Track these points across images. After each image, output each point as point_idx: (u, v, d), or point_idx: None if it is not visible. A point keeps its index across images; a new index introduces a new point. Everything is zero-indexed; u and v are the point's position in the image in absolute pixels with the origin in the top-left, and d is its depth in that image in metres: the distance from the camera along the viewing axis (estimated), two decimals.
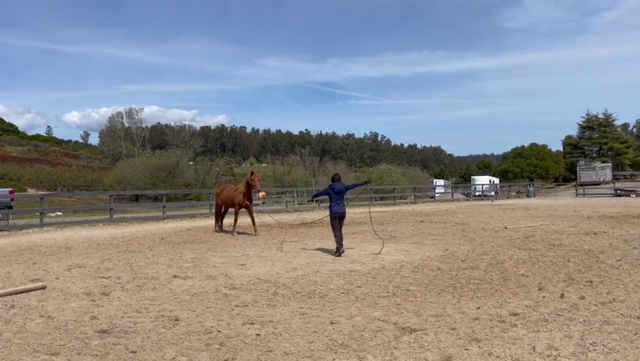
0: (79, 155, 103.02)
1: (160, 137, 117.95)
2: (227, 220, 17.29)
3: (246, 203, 15.85)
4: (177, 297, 7.15)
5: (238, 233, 15.66)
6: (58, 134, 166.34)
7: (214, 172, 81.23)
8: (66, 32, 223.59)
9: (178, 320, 5.88)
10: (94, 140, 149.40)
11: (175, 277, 8.71)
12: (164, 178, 60.44)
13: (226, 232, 16.32)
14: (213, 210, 26.23)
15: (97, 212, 29.36)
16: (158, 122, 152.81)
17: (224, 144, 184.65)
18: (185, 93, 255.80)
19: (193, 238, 14.95)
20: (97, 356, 4.68)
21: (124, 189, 53.47)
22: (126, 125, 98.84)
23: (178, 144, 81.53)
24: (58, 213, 29.52)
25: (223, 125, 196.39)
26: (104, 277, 8.71)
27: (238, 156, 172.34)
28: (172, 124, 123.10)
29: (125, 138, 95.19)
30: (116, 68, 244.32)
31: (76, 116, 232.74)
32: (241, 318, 5.95)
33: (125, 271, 9.37)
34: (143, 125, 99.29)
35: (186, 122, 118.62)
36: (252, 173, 15.85)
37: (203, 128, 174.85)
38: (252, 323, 5.71)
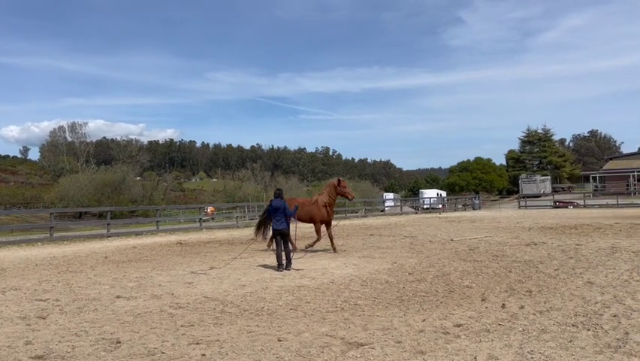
0: (17, 171, 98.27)
1: (105, 152, 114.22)
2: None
3: (329, 218, 14.00)
4: (120, 318, 6.90)
5: (307, 250, 13.96)
6: None
7: (162, 188, 79.37)
8: (4, 43, 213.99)
9: (120, 343, 5.67)
10: (34, 155, 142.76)
11: (118, 297, 8.41)
12: (110, 194, 58.50)
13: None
14: (161, 227, 25.68)
15: (36, 230, 28.03)
16: (104, 137, 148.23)
17: (173, 158, 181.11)
18: (132, 107, 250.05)
19: (139, 256, 14.51)
20: None
21: (66, 207, 51.30)
22: (69, 139, 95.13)
23: (124, 159, 79.08)
24: None
25: (172, 140, 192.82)
26: (41, 300, 8.30)
27: (187, 171, 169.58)
28: (118, 138, 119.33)
29: (68, 153, 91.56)
30: (58, 81, 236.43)
31: (14, 130, 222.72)
32: (186, 338, 5.80)
33: (65, 292, 8.97)
34: (88, 140, 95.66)
35: (133, 137, 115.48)
36: (340, 180, 14.10)
37: (151, 142, 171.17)
38: (198, 343, 5.58)
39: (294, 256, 12.13)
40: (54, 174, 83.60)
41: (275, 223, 11.34)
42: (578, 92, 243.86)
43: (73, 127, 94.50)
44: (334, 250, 13.59)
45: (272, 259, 12.28)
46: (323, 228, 14.12)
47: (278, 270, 10.84)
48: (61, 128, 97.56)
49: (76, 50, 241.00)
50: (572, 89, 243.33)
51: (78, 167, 78.76)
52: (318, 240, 13.94)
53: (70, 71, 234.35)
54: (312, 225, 14.43)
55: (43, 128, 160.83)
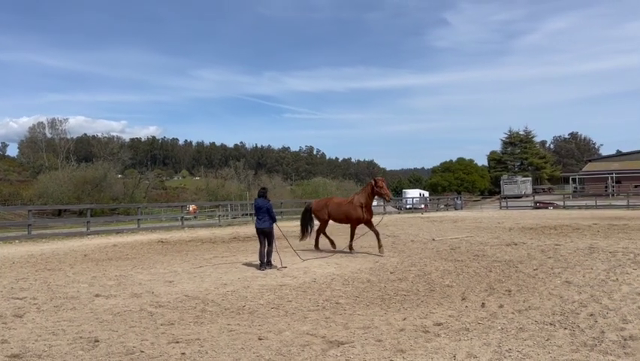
0: None
1: (86, 149, 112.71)
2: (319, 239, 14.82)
3: (366, 218, 13.35)
4: (98, 317, 6.82)
5: (352, 252, 13.44)
6: None
7: (144, 186, 78.58)
8: None
9: (98, 341, 5.60)
10: (12, 151, 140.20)
11: (97, 296, 8.30)
12: (90, 192, 57.75)
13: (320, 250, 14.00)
14: (142, 225, 25.40)
15: (13, 228, 27.51)
16: (85, 134, 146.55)
17: (155, 156, 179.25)
18: (114, 104, 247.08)
19: (119, 254, 14.34)
20: None
21: (45, 204, 50.55)
22: (49, 136, 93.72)
23: (105, 157, 78.03)
24: None
25: (154, 137, 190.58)
26: (17, 298, 8.16)
27: (170, 169, 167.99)
28: (99, 135, 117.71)
29: (48, 150, 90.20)
30: (38, 76, 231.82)
31: None
32: (166, 337, 5.75)
33: (42, 290, 8.82)
34: (68, 137, 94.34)
35: (115, 134, 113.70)
36: (376, 180, 13.25)
37: (132, 140, 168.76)
38: (178, 342, 5.54)
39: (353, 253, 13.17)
40: (33, 171, 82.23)
41: (258, 222, 11.35)
42: (560, 94, 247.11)
43: (53, 123, 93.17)
44: (380, 249, 12.84)
45: (254, 258, 12.26)
46: (362, 227, 13.67)
47: (260, 268, 10.82)
48: (40, 124, 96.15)
49: (57, 45, 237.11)
50: (554, 92, 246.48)
51: (58, 164, 77.63)
52: (351, 240, 13.47)
53: (50, 66, 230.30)
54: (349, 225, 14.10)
55: (22, 124, 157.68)
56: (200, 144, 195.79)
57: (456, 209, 47.96)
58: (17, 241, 18.90)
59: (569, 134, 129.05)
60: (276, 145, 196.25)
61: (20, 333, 6.02)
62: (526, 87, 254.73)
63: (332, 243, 14.12)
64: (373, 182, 13.25)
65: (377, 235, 13.04)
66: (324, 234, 14.55)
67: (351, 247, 13.57)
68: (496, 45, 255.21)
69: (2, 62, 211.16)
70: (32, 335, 5.90)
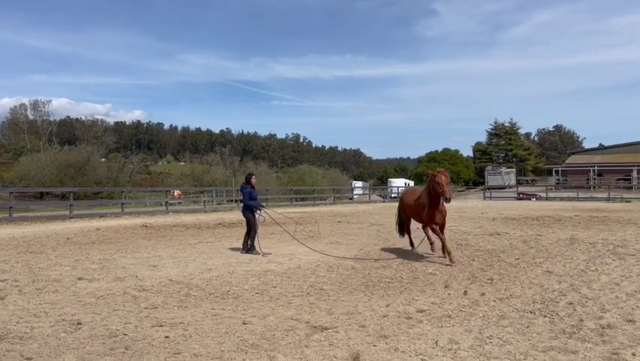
0: None
1: (69, 131, 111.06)
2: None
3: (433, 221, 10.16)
4: (81, 300, 6.78)
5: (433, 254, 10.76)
6: None
7: (128, 170, 77.82)
8: None
9: (81, 324, 5.57)
10: None
11: (80, 279, 8.25)
12: (73, 175, 57.05)
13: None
14: (126, 210, 25.19)
15: None
16: (68, 116, 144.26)
17: (140, 140, 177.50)
18: (99, 86, 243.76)
19: (102, 238, 14.23)
20: None
21: (27, 186, 49.82)
22: (31, 117, 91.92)
23: (89, 140, 76.85)
24: None
25: (139, 121, 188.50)
26: None
27: (154, 154, 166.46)
28: (83, 118, 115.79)
29: (30, 132, 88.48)
30: (19, 56, 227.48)
31: None
32: (150, 320, 5.75)
33: (24, 273, 8.73)
34: (51, 119, 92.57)
35: (99, 117, 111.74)
36: (434, 174, 9.85)
37: (117, 123, 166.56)
38: (161, 326, 5.54)
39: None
40: (14, 153, 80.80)
41: (243, 206, 11.62)
42: (545, 87, 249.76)
43: (35, 105, 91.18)
44: (449, 259, 9.70)
45: (239, 244, 12.24)
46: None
47: (241, 251, 11.26)
48: (22, 105, 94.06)
49: (40, 24, 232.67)
50: (539, 84, 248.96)
51: (40, 146, 76.27)
52: (430, 242, 10.90)
53: (34, 46, 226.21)
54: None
55: (3, 104, 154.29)
56: (185, 129, 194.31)
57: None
58: None
59: (553, 127, 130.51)
60: (263, 132, 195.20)
61: (1, 315, 5.96)
62: (512, 79, 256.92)
63: (411, 243, 11.81)
64: (432, 176, 9.95)
65: (442, 242, 9.93)
66: (407, 231, 11.95)
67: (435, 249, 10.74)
68: (483, 36, 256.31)
69: None
70: (14, 317, 5.85)
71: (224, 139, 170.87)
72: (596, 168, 63.10)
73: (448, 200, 9.57)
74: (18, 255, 10.85)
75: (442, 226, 10.20)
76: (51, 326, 5.49)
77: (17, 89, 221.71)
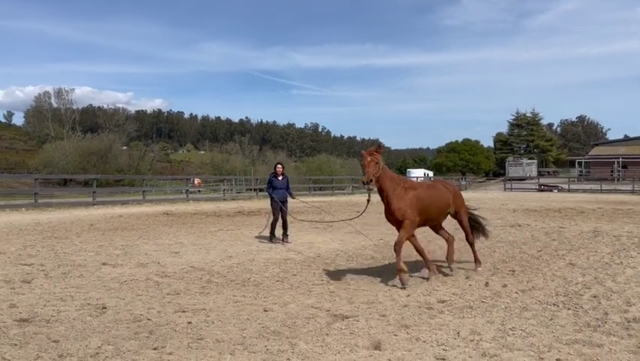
0: (1, 135, 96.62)
1: (92, 119, 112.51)
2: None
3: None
4: (105, 285, 6.90)
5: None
6: None
7: (149, 158, 78.73)
8: None
9: (105, 308, 5.68)
10: (18, 120, 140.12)
11: (104, 264, 8.40)
12: (96, 163, 57.98)
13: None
14: (147, 197, 25.51)
15: (20, 196, 27.72)
16: (90, 104, 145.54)
17: (161, 129, 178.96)
18: (121, 75, 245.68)
19: (125, 224, 14.45)
20: (15, 345, 4.44)
21: (51, 173, 50.78)
22: (55, 105, 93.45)
23: (111, 128, 78.09)
24: None
25: (160, 110, 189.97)
26: (25, 264, 8.25)
27: (174, 142, 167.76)
28: (105, 106, 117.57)
29: (54, 120, 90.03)
30: (44, 45, 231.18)
31: None
32: (172, 306, 5.83)
33: (50, 257, 8.92)
34: (74, 107, 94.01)
35: (121, 105, 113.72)
36: (362, 153, 7.38)
37: (138, 112, 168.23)
38: (184, 311, 5.61)
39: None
40: (39, 140, 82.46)
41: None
42: (569, 76, 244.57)
43: (59, 93, 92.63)
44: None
45: (258, 232, 12.31)
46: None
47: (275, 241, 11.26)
48: (46, 93, 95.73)
49: (63, 13, 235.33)
50: (563, 74, 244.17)
51: (63, 134, 77.61)
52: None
53: (57, 35, 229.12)
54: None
55: (28, 92, 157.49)
56: (205, 118, 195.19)
57: (460, 190, 47.93)
58: (24, 209, 19.05)
59: (576, 118, 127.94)
60: (281, 121, 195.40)
61: (29, 298, 6.10)
62: (535, 68, 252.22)
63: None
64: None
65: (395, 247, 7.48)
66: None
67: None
68: (506, 24, 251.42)
69: (9, 30, 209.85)
70: (41, 301, 5.99)
71: (243, 128, 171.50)
72: (620, 159, 61.83)
73: (363, 184, 7.14)
74: (43, 240, 11.08)
75: (401, 223, 7.32)
76: (77, 310, 5.60)
77: (41, 77, 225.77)
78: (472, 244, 8.39)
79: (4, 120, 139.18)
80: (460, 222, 8.37)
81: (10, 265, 8.16)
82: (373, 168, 7.08)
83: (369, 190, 7.32)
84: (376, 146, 7.42)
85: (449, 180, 60.51)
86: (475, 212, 8.92)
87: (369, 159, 7.11)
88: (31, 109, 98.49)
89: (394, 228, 7.73)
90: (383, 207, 7.44)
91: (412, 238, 7.48)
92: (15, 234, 12.04)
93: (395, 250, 7.16)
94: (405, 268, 6.99)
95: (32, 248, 9.92)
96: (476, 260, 8.23)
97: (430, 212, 7.64)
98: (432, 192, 7.78)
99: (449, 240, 8.28)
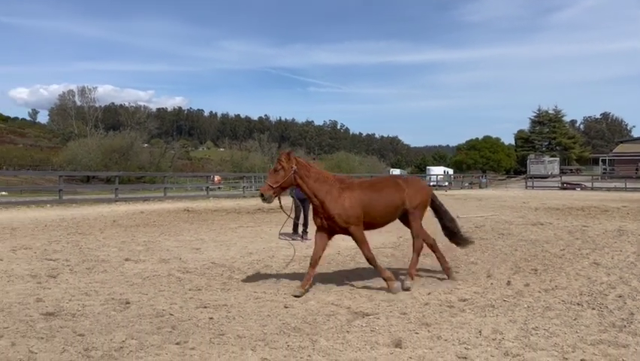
0: (26, 133, 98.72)
1: (114, 117, 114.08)
2: None
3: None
4: (128, 280, 7.01)
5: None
6: (3, 110, 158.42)
7: (169, 155, 79.56)
8: (15, 4, 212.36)
9: (129, 303, 5.77)
10: (43, 118, 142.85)
11: (127, 260, 8.52)
12: (117, 160, 58.72)
13: None
14: (168, 194, 25.80)
15: (45, 193, 28.26)
16: (112, 102, 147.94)
17: (181, 126, 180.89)
18: (142, 73, 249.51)
19: (146, 221, 14.65)
20: (42, 338, 4.54)
21: (74, 170, 51.65)
22: (78, 103, 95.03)
23: (132, 125, 79.13)
24: (3, 192, 28.27)
25: (180, 108, 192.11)
26: (51, 259, 8.42)
27: (195, 140, 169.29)
28: (127, 104, 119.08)
29: (77, 118, 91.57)
30: (68, 44, 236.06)
31: (23, 92, 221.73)
32: (194, 302, 5.89)
33: (74, 253, 9.09)
34: (97, 105, 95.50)
35: (142, 103, 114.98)
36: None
37: (159, 109, 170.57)
38: (205, 307, 5.67)
39: None
40: (63, 138, 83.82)
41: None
42: (592, 73, 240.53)
43: (82, 91, 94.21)
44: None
45: (278, 229, 12.33)
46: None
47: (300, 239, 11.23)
48: (70, 92, 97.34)
49: (86, 13, 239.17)
50: (586, 70, 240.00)
51: (86, 131, 78.88)
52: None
53: (80, 34, 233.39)
54: None
55: (52, 91, 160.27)
56: (224, 116, 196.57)
57: (480, 187, 47.47)
58: (49, 205, 19.44)
59: (600, 115, 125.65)
60: (300, 119, 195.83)
61: (54, 293, 6.23)
62: (557, 65, 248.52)
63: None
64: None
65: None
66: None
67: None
68: (528, 21, 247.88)
69: (33, 30, 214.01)
70: (66, 295, 6.11)
71: (262, 126, 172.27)
72: None
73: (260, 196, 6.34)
74: (68, 235, 11.29)
75: (342, 232, 6.57)
76: (101, 305, 5.70)
77: (65, 76, 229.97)
78: (416, 253, 7.11)
79: (29, 118, 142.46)
80: (410, 224, 7.08)
81: (36, 260, 8.34)
82: (272, 177, 6.37)
83: (265, 202, 6.35)
84: (285, 153, 6.60)
85: (470, 176, 59.94)
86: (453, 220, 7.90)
87: (280, 164, 6.38)
88: (55, 107, 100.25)
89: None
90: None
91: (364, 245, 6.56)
92: (40, 229, 12.30)
93: (372, 265, 6.54)
94: (390, 275, 6.52)
95: (57, 244, 10.12)
96: (410, 271, 7.00)
97: (373, 214, 6.65)
98: (374, 191, 6.78)
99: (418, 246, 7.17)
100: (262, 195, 6.29)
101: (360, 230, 6.55)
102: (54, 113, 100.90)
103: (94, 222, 14.15)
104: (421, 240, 7.12)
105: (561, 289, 6.58)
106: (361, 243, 6.53)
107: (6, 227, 12.62)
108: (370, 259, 6.53)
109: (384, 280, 6.49)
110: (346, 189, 6.55)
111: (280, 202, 6.75)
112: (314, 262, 6.49)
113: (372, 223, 6.83)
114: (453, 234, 7.79)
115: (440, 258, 7.33)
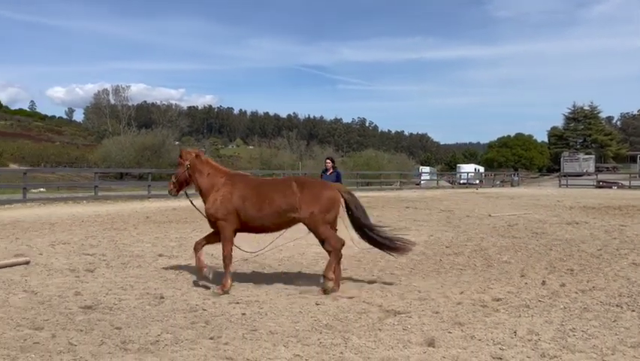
0: (63, 131, 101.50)
1: (146, 115, 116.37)
2: None
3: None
4: (162, 275, 7.15)
5: None
6: (41, 109, 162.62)
7: None
8: (52, 5, 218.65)
9: (163, 298, 5.88)
10: (78, 116, 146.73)
11: (160, 255, 8.69)
12: (150, 157, 59.82)
13: None
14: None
15: (81, 189, 29.02)
16: (145, 101, 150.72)
17: (211, 124, 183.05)
18: (173, 72, 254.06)
19: (178, 217, 14.88)
20: (81, 331, 4.67)
21: (109, 167, 52.89)
22: (112, 102, 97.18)
23: (164, 123, 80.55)
24: (42, 189, 29.14)
25: (210, 106, 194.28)
26: (88, 254, 8.65)
27: (225, 137, 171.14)
28: (159, 103, 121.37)
29: (111, 116, 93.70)
30: (102, 44, 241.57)
31: (60, 91, 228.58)
32: (227, 297, 5.96)
33: (110, 248, 9.31)
34: (130, 104, 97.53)
35: (173, 102, 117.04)
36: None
37: (190, 108, 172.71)
38: (238, 303, 5.73)
39: None
40: (97, 136, 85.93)
41: None
42: (629, 68, 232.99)
43: (116, 90, 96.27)
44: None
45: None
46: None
47: None
48: (104, 90, 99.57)
49: (119, 13, 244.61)
50: (623, 65, 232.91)
51: (120, 129, 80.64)
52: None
53: (113, 34, 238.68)
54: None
55: (87, 90, 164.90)
56: (254, 114, 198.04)
57: (512, 185, 46.63)
58: (85, 202, 19.97)
59: (637, 111, 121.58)
60: (329, 116, 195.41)
61: (92, 287, 6.39)
62: (593, 60, 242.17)
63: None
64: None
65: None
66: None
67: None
68: (562, 15, 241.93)
69: (69, 30, 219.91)
70: (103, 289, 6.26)
71: (290, 123, 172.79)
72: None
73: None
74: (104, 231, 11.57)
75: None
76: (137, 299, 5.83)
77: (99, 75, 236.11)
78: (329, 252, 6.53)
79: (65, 117, 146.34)
80: (313, 231, 6.56)
81: (74, 255, 8.58)
82: (175, 173, 7.09)
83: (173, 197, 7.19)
84: (185, 150, 7.29)
85: (501, 174, 58.82)
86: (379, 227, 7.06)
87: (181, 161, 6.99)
88: (90, 106, 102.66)
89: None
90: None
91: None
92: (77, 225, 12.64)
93: (224, 263, 6.42)
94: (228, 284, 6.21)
95: (94, 239, 10.39)
96: (325, 275, 6.31)
97: (250, 214, 6.37)
98: (258, 192, 6.43)
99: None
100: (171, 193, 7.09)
101: (228, 227, 6.46)
102: (89, 111, 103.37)
103: (128, 218, 14.46)
104: (335, 242, 6.48)
105: (599, 290, 6.41)
106: (225, 240, 6.50)
107: (45, 222, 13.02)
108: (225, 258, 6.44)
109: (222, 284, 6.23)
110: (228, 185, 6.50)
111: (188, 197, 7.27)
112: (195, 247, 6.75)
113: (249, 224, 6.54)
114: (374, 240, 6.89)
115: (330, 264, 6.39)
